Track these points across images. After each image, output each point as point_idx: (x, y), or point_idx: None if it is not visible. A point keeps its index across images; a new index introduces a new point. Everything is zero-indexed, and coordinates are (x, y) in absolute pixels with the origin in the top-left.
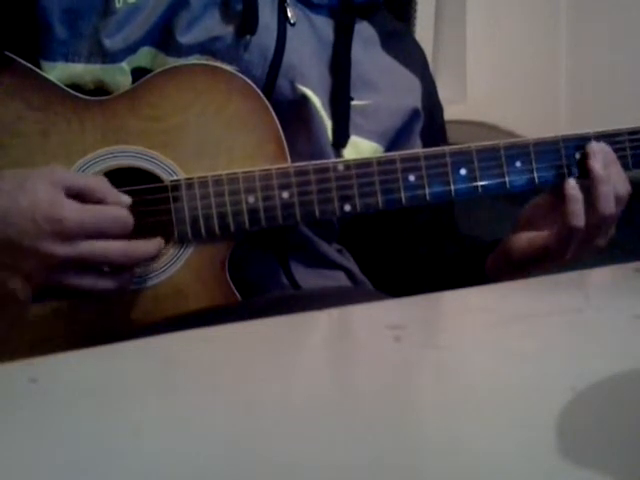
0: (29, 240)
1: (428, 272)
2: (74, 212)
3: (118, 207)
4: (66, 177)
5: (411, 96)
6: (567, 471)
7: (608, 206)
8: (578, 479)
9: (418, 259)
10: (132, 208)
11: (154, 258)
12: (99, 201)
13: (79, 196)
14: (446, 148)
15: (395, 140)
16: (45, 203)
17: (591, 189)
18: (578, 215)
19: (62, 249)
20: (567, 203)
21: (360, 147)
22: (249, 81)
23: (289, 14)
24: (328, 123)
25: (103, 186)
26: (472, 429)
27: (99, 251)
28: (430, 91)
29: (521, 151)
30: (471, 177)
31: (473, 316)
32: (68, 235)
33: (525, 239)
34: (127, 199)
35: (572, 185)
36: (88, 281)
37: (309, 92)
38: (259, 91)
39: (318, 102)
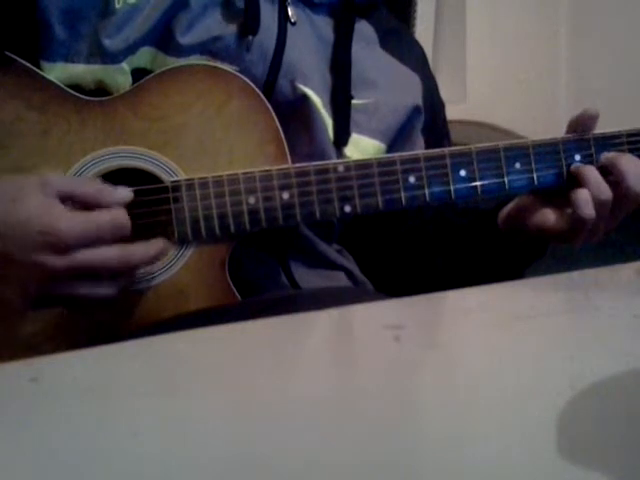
0: (24, 253)
1: (436, 254)
2: (69, 222)
3: (114, 210)
4: (58, 184)
5: (411, 93)
6: (567, 471)
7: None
8: (578, 479)
9: (426, 242)
10: (132, 208)
11: (154, 261)
12: (95, 205)
13: (74, 201)
14: (446, 150)
15: (397, 138)
16: (39, 217)
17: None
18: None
19: (58, 261)
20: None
21: (361, 145)
22: (249, 81)
23: (290, 13)
24: (329, 122)
25: (97, 188)
26: (472, 429)
27: (97, 260)
28: (431, 88)
29: (520, 152)
30: (471, 178)
31: (473, 316)
32: (64, 247)
33: (540, 219)
34: (126, 195)
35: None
36: (85, 289)
37: (309, 91)
38: (259, 91)
39: (319, 101)
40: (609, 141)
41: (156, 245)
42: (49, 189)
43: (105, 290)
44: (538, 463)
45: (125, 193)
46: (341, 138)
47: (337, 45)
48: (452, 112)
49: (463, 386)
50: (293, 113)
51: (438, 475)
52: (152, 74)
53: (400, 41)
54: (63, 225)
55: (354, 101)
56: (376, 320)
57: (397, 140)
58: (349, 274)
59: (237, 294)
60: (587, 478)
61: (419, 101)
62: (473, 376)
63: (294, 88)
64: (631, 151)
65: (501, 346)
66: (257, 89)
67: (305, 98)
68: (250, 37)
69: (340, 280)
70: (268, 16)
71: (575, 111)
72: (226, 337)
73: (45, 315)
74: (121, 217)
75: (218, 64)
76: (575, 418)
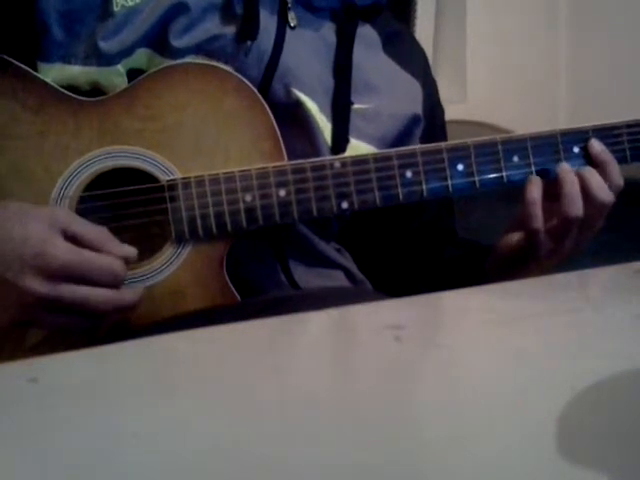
0: (11, 273)
1: (427, 273)
2: (63, 252)
3: (113, 258)
4: (66, 220)
5: (412, 102)
6: (567, 471)
7: (606, 194)
8: (578, 479)
9: (417, 260)
10: (129, 208)
11: (134, 306)
12: (96, 249)
13: (76, 241)
14: (443, 144)
15: (394, 145)
16: (36, 240)
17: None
18: (575, 199)
19: (42, 287)
20: (563, 186)
21: (359, 151)
22: (244, 79)
23: (289, 17)
24: (327, 127)
25: (103, 236)
26: (472, 429)
27: (79, 297)
28: (431, 94)
29: (518, 145)
30: (468, 172)
31: (473, 316)
32: (51, 274)
33: (516, 237)
34: (131, 252)
35: (567, 169)
36: (62, 321)
37: (304, 97)
38: (254, 89)
39: (314, 107)
40: (608, 132)
41: (138, 292)
42: (55, 222)
43: (81, 324)
44: (538, 463)
45: (130, 250)
46: (339, 144)
47: (339, 49)
48: (452, 112)
49: (463, 386)
50: (288, 117)
51: (438, 475)
52: (146, 73)
53: (402, 45)
54: (56, 252)
55: (354, 106)
56: (376, 320)
57: (394, 148)
58: (348, 273)
59: (235, 293)
60: (587, 478)
61: (419, 110)
62: (473, 376)
63: (288, 92)
64: (630, 142)
65: (501, 346)
66: (252, 87)
67: (299, 103)
68: (249, 42)
69: (339, 279)
70: (267, 19)
71: (575, 111)
72: (226, 337)
73: None
74: (117, 267)
75: (213, 62)
76: (575, 418)
